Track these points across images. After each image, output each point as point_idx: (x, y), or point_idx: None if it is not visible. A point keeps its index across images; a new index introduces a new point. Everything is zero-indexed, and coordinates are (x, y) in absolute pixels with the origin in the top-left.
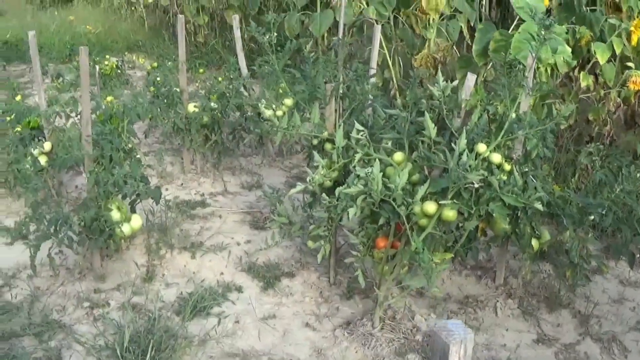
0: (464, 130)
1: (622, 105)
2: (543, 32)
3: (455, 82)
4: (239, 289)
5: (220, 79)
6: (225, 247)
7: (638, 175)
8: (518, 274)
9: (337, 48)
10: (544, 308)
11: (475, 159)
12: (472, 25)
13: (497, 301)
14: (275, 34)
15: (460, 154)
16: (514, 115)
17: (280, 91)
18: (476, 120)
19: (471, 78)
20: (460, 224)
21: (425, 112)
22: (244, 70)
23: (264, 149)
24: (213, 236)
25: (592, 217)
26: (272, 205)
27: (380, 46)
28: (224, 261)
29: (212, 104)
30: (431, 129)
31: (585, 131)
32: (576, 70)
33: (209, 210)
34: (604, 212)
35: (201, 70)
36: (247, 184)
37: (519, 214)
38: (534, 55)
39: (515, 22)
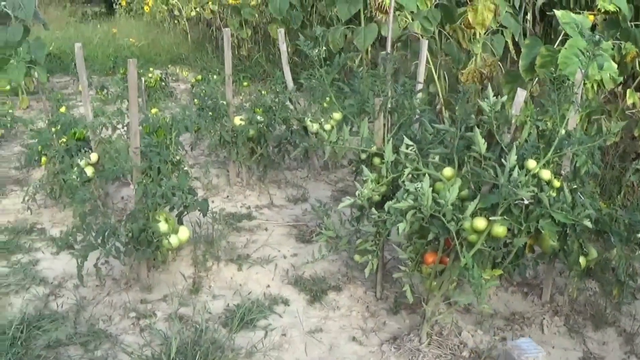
0: (514, 146)
1: None
2: (592, 49)
3: (504, 98)
4: (286, 302)
5: (264, 92)
6: (272, 259)
7: None
8: (564, 291)
9: (385, 62)
10: (590, 326)
11: (525, 175)
12: (516, 40)
13: (544, 318)
14: (325, 47)
15: (511, 170)
16: (563, 131)
17: (325, 105)
18: (526, 136)
19: (521, 94)
20: (509, 240)
21: (475, 127)
22: (290, 84)
23: (309, 163)
24: (259, 249)
25: (639, 235)
26: (319, 219)
27: (427, 61)
28: (270, 274)
29: (258, 117)
30: (481, 145)
31: (631, 148)
32: (620, 87)
33: (255, 222)
34: None
35: (245, 84)
36: (293, 197)
37: (567, 231)
38: (582, 71)
39: (560, 38)
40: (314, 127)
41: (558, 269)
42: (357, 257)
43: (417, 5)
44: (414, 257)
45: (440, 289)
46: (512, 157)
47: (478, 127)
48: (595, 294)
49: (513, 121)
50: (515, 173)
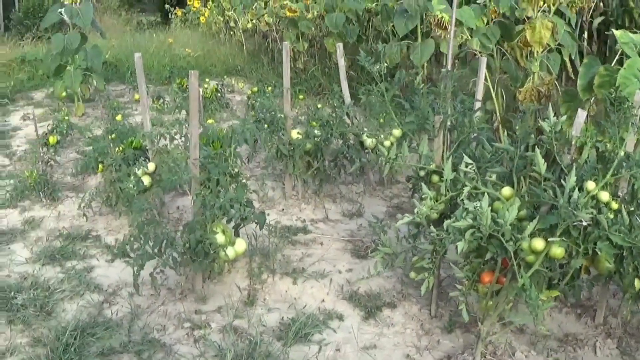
0: (574, 167)
1: None
2: None
3: (564, 117)
4: (340, 317)
5: (319, 105)
6: (327, 274)
7: None
8: (618, 313)
9: (445, 80)
10: None
11: (584, 196)
12: (572, 58)
13: (597, 340)
14: (386, 63)
15: (570, 191)
16: (622, 153)
17: (382, 120)
18: (586, 157)
19: (581, 114)
20: (565, 262)
21: (535, 147)
22: (347, 98)
23: (364, 178)
24: (315, 263)
25: None
26: (376, 235)
27: (485, 78)
28: (325, 288)
29: (316, 131)
30: (541, 165)
31: None
32: None
33: (310, 236)
34: None
35: (301, 97)
36: (348, 212)
37: (624, 254)
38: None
39: (616, 57)
40: (368, 142)
41: (612, 291)
42: (412, 275)
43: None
44: (470, 276)
45: (496, 308)
46: (572, 178)
47: (537, 147)
48: None
49: (573, 142)
50: (575, 194)
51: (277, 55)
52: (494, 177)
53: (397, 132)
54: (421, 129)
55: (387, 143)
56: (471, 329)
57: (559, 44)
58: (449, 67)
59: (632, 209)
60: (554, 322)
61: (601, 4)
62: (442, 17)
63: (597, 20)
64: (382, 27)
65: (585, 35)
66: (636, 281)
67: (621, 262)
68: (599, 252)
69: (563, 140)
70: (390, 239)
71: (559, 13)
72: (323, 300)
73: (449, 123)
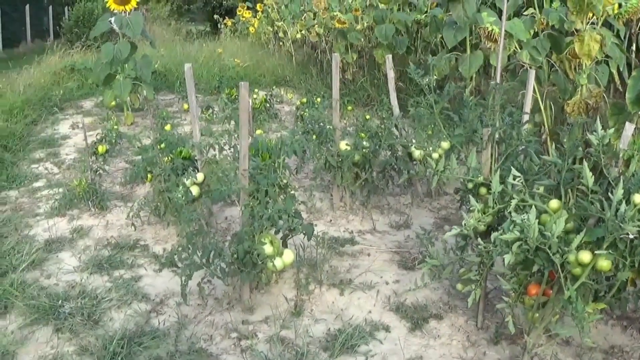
0: (621, 180)
1: None
2: None
3: (611, 130)
4: (387, 329)
5: (368, 116)
6: (374, 285)
7: None
8: None
9: (494, 92)
10: None
11: (632, 209)
12: (620, 70)
13: None
14: (435, 75)
15: (618, 204)
16: None
17: (430, 132)
18: (634, 170)
19: (629, 127)
20: (612, 274)
21: (583, 160)
22: (396, 110)
23: (412, 189)
24: (362, 274)
25: None
26: (423, 247)
27: (534, 90)
28: (372, 300)
29: (364, 142)
30: (589, 178)
31: None
32: None
33: (357, 248)
34: None
35: (349, 108)
36: (396, 223)
37: None
38: None
39: None
40: (416, 154)
41: None
42: (459, 286)
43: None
44: (517, 288)
45: (542, 320)
46: (619, 191)
47: (586, 160)
48: None
49: (621, 155)
50: (622, 207)
51: (326, 66)
52: (541, 189)
53: (445, 144)
54: (469, 142)
55: (435, 155)
56: (517, 341)
57: (607, 56)
58: (498, 79)
59: None
60: (599, 334)
61: None
62: (492, 30)
63: None
64: (431, 39)
65: (634, 47)
66: None
67: None
68: None
69: (610, 153)
70: (437, 250)
71: (608, 25)
72: (370, 312)
73: (497, 136)
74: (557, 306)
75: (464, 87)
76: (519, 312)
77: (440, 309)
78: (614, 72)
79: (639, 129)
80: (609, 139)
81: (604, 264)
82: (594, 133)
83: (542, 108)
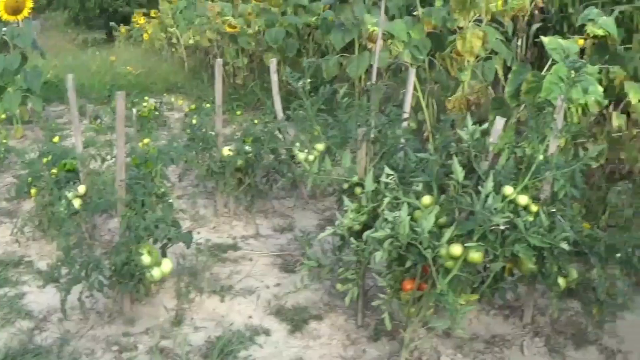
0: (491, 173)
1: None
2: (571, 74)
3: (486, 125)
4: (267, 332)
5: (256, 121)
6: (255, 290)
7: None
8: (546, 312)
9: (371, 92)
10: (571, 345)
11: (502, 201)
12: (508, 66)
13: (524, 340)
14: (310, 79)
15: (487, 196)
16: (541, 157)
17: (316, 134)
18: (503, 163)
19: (499, 121)
20: (487, 265)
21: (454, 155)
22: (280, 114)
23: (297, 192)
24: (243, 279)
25: (618, 255)
26: (303, 249)
27: (415, 89)
28: (253, 304)
29: (247, 147)
30: (458, 172)
31: (617, 169)
32: (611, 109)
33: (240, 253)
34: (630, 249)
35: (238, 112)
36: (279, 226)
37: (545, 254)
38: (562, 97)
39: (549, 63)
40: (300, 157)
41: (540, 291)
42: (339, 286)
43: (409, 34)
44: (392, 285)
45: (419, 315)
46: (489, 184)
47: (457, 155)
48: (577, 313)
49: (490, 149)
50: (489, 199)
51: None
52: (421, 187)
53: (320, 146)
54: (345, 143)
55: (311, 157)
56: (397, 337)
57: (495, 52)
58: (373, 79)
59: (554, 210)
60: (481, 324)
61: (536, 11)
62: (373, 31)
63: (535, 27)
64: (322, 41)
65: (522, 42)
66: (561, 280)
67: (543, 263)
68: (518, 255)
69: (480, 147)
70: (316, 252)
71: (499, 22)
72: (250, 317)
73: (372, 135)
74: (430, 300)
75: (352, 87)
76: (397, 308)
77: (320, 309)
78: (499, 68)
79: (521, 122)
80: (480, 133)
81: (475, 256)
82: (465, 129)
83: (424, 106)
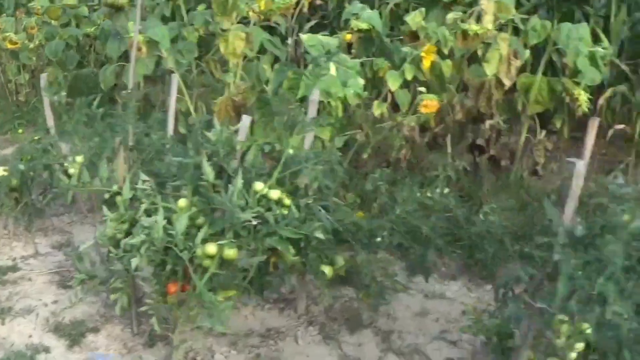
0: (240, 171)
1: (422, 129)
2: (314, 70)
3: (237, 127)
4: (47, 350)
5: (36, 137)
6: (34, 309)
7: (418, 195)
8: (319, 301)
9: (126, 100)
10: (345, 330)
11: (255, 196)
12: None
13: (298, 330)
14: (64, 92)
15: (235, 194)
16: (290, 151)
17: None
18: (252, 160)
19: (245, 119)
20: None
21: (203, 157)
22: (52, 129)
23: (75, 207)
24: (21, 300)
25: (378, 239)
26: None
27: (183, 93)
28: (32, 324)
29: (21, 166)
30: (209, 173)
31: (386, 158)
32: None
33: (19, 274)
34: (385, 234)
35: (20, 131)
36: (58, 243)
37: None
38: (312, 91)
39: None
40: (73, 170)
41: (314, 281)
42: (112, 296)
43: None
44: (159, 289)
45: (184, 316)
46: (238, 182)
47: (208, 157)
48: (352, 299)
49: (238, 147)
50: (234, 197)
51: (0, 90)
52: (189, 191)
53: (79, 158)
54: (104, 152)
55: (72, 170)
56: (171, 340)
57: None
58: (130, 87)
59: (309, 202)
60: (256, 320)
61: (305, 9)
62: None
63: (309, 25)
64: (102, 52)
65: (292, 41)
66: (327, 268)
67: (306, 254)
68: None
69: (229, 146)
70: (85, 264)
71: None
72: (30, 336)
73: (131, 143)
74: (193, 300)
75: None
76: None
77: (97, 321)
78: (267, 67)
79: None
80: (226, 134)
81: (230, 252)
82: (213, 130)
83: (192, 111)
